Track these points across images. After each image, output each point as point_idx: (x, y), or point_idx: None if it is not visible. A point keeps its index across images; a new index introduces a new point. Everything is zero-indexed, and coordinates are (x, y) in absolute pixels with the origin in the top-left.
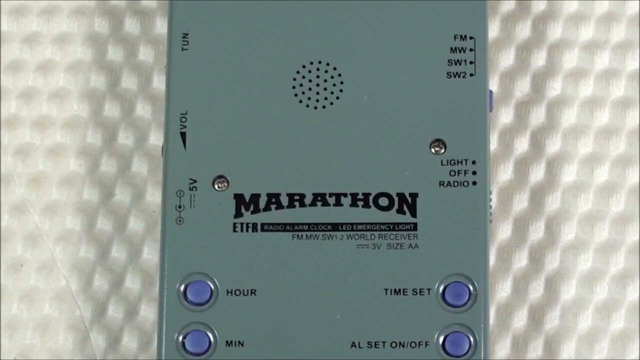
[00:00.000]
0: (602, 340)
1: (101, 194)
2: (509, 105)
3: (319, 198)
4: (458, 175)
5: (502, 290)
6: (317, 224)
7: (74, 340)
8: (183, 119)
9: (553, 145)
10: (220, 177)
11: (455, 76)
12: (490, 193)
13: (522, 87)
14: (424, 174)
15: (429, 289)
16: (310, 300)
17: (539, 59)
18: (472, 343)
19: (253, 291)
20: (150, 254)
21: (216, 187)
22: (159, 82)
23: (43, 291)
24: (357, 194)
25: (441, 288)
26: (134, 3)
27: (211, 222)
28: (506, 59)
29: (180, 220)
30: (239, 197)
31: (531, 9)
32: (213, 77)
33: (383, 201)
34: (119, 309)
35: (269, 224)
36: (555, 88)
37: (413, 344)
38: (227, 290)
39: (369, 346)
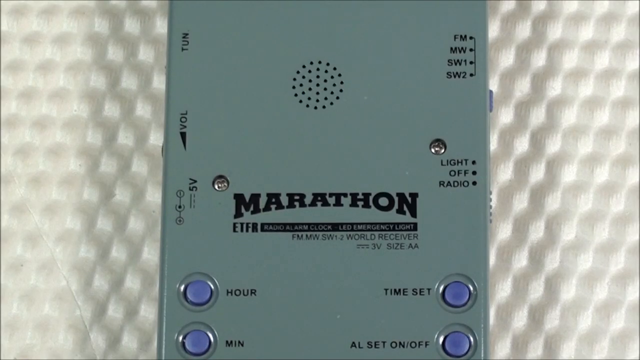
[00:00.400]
0: (602, 340)
1: (101, 194)
2: (509, 105)
3: (319, 198)
4: (458, 175)
5: (502, 290)
6: (317, 224)
7: (74, 340)
8: (183, 119)
9: (553, 145)
10: (220, 177)
11: (455, 76)
12: (490, 193)
13: (522, 87)
14: (424, 174)
15: (429, 289)
16: (310, 300)
17: (539, 59)
18: (472, 343)
19: (253, 291)
20: (150, 254)
21: (216, 187)
22: (159, 82)
23: (43, 291)
24: (357, 194)
25: (441, 288)
26: (134, 3)
27: (211, 222)
28: (506, 59)
29: (180, 220)
30: (239, 197)
31: (531, 9)
32: (213, 77)
33: (383, 201)
34: (119, 309)
35: (269, 224)
36: (555, 88)
37: (413, 344)
38: (227, 290)
39: (369, 346)
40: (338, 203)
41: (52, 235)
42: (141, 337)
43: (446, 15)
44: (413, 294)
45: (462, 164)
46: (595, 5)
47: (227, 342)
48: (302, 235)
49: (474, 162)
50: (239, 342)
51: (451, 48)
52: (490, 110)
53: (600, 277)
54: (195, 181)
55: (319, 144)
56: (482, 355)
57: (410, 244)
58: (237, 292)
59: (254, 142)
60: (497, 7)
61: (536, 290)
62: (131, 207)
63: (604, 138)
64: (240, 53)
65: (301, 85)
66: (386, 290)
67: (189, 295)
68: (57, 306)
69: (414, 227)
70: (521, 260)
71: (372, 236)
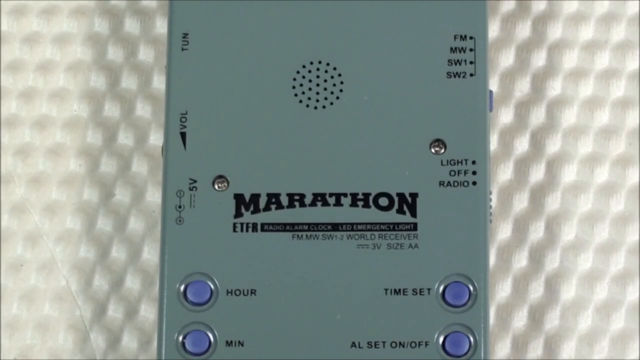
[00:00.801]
0: (602, 340)
1: (101, 194)
2: (509, 105)
3: (319, 198)
4: (458, 175)
5: (502, 290)
6: (317, 224)
7: (74, 340)
8: (183, 119)
9: (553, 145)
10: (220, 177)
11: (455, 76)
12: (490, 193)
13: (522, 87)
14: (424, 174)
15: (429, 289)
16: (310, 300)
17: (539, 59)
18: (472, 343)
19: (253, 291)
20: (150, 254)
21: (216, 187)
22: (159, 82)
23: (43, 291)
24: (357, 194)
25: (441, 288)
26: (134, 3)
27: (211, 222)
28: (506, 59)
29: (180, 220)
30: (239, 197)
31: (531, 9)
32: (213, 77)
33: (383, 201)
34: (119, 309)
35: (269, 224)
36: (555, 88)
37: (413, 344)
38: (227, 290)
39: (369, 346)
40: (338, 203)
41: (52, 235)
42: (141, 337)
43: (446, 15)
44: (413, 294)
45: (462, 164)
46: (595, 5)
47: (227, 342)
48: (302, 235)
49: (474, 162)
50: (239, 342)
51: (451, 48)
52: (490, 110)
53: (600, 277)
54: (195, 181)
55: (319, 144)
56: (482, 355)
57: (410, 244)
58: (237, 292)
59: (254, 142)
60: (497, 7)
61: (536, 290)
62: (131, 207)
63: (604, 138)
64: (240, 53)
65: (301, 85)
66: (386, 290)
67: (189, 295)
68: (57, 306)
69: (414, 227)
70: (521, 260)
71: (372, 236)
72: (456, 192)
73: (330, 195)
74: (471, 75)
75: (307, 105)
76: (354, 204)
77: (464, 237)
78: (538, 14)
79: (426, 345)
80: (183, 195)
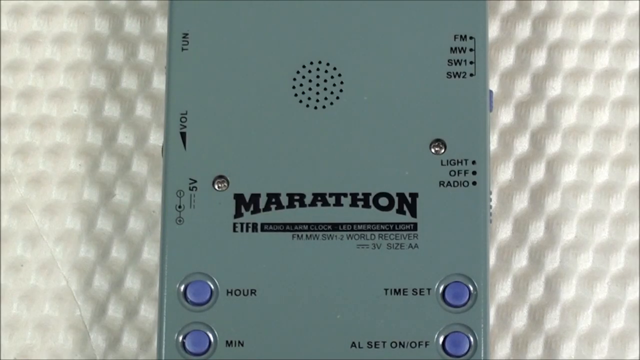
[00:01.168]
0: (602, 340)
1: (101, 194)
2: (509, 105)
3: (319, 198)
4: (458, 175)
5: (502, 290)
6: (317, 224)
7: (74, 340)
8: (183, 119)
9: (553, 145)
10: (220, 177)
11: (455, 76)
12: (490, 193)
13: (522, 87)
14: (424, 174)
15: (429, 289)
16: (310, 300)
17: (539, 59)
18: (472, 343)
19: (253, 291)
20: (150, 254)
21: (216, 187)
22: (159, 82)
23: (43, 291)
24: (357, 194)
25: (441, 288)
26: (134, 3)
27: (211, 222)
28: (506, 59)
29: (180, 220)
30: (239, 197)
31: (531, 9)
32: (213, 77)
33: (383, 201)
34: (119, 309)
35: (269, 224)
36: (555, 88)
37: (413, 344)
38: (227, 290)
39: (369, 346)
40: (338, 203)
41: (52, 235)
42: (141, 337)
43: (446, 15)
44: (413, 294)
45: (462, 164)
46: (595, 5)
47: (227, 342)
48: (302, 235)
49: (474, 162)
50: (239, 342)
51: (451, 48)
52: (490, 110)
53: (600, 277)
54: (195, 181)
55: (319, 144)
56: (482, 355)
57: (410, 244)
58: (237, 292)
59: (254, 142)
60: (497, 7)
61: (536, 290)
62: (131, 207)
63: (604, 138)
64: (240, 53)
65: (301, 85)
66: (386, 290)
67: (189, 295)
68: (57, 306)
69: (414, 227)
70: (521, 260)
71: (372, 236)
72: (456, 192)
73: (330, 195)
74: (471, 75)
75: (307, 105)
76: (354, 204)
77: (464, 237)
78: (538, 14)
79: (426, 345)
80: (183, 195)
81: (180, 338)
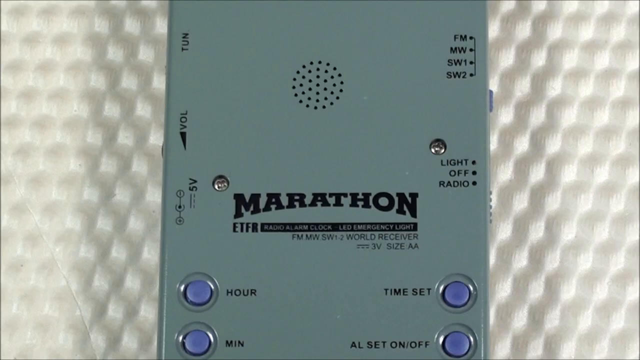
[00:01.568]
0: (602, 340)
1: (101, 194)
2: (509, 105)
3: (319, 198)
4: (458, 175)
5: (502, 290)
6: (317, 224)
7: (74, 340)
8: (183, 119)
9: (553, 145)
10: (220, 177)
11: (455, 76)
12: (490, 193)
13: (522, 87)
14: (424, 174)
15: (429, 289)
16: (310, 300)
17: (539, 59)
18: (472, 343)
19: (253, 291)
20: (150, 254)
21: (216, 187)
22: (159, 82)
23: (43, 291)
24: (357, 194)
25: (441, 288)
26: (134, 3)
27: (211, 222)
28: (506, 59)
29: (180, 220)
30: (239, 197)
31: (531, 9)
32: (213, 77)
33: (383, 201)
34: (119, 309)
35: (269, 224)
36: (555, 88)
37: (413, 344)
38: (227, 290)
39: (369, 346)
40: (338, 203)
41: (52, 235)
42: (141, 337)
43: (446, 15)
44: (413, 294)
45: (462, 164)
46: (595, 5)
47: (227, 342)
48: (302, 235)
49: (474, 162)
50: (239, 342)
51: (451, 48)
52: (490, 110)
53: (600, 277)
54: (195, 181)
55: (319, 144)
56: (482, 355)
57: (410, 244)
58: (237, 292)
59: (254, 142)
60: (497, 7)
61: (536, 290)
62: (131, 207)
63: (604, 138)
64: (240, 53)
65: (301, 85)
66: (386, 290)
67: (189, 295)
68: (57, 306)
69: (414, 227)
70: (521, 260)
71: (372, 236)
72: (456, 192)
73: (330, 195)
74: (471, 75)
75: (307, 105)
76: (354, 204)
77: (464, 237)
78: (538, 14)
79: (426, 345)
80: (183, 195)
81: (180, 338)
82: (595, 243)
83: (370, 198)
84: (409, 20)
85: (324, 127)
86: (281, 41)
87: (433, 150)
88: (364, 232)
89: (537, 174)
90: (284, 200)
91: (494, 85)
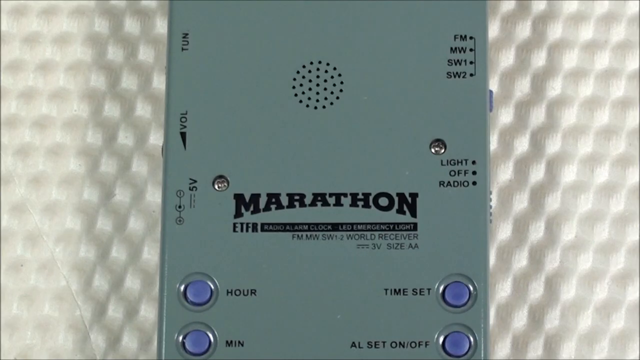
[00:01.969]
0: (602, 340)
1: (101, 194)
2: (509, 105)
3: (319, 198)
4: (458, 175)
5: (502, 290)
6: (317, 224)
7: (74, 340)
8: (183, 119)
9: (553, 145)
10: (220, 177)
11: (455, 76)
12: (490, 193)
13: (522, 87)
14: (424, 174)
15: (429, 289)
16: (310, 300)
17: (539, 59)
18: (472, 343)
19: (253, 291)
20: (150, 254)
21: (216, 187)
22: (159, 82)
23: (43, 291)
24: (357, 194)
25: (441, 288)
26: (134, 3)
27: (211, 222)
28: (506, 59)
29: (180, 220)
30: (239, 197)
31: (531, 9)
32: (213, 77)
33: (383, 201)
34: (119, 309)
35: (269, 224)
36: (555, 88)
37: (413, 344)
38: (227, 290)
39: (369, 346)
40: (338, 203)
41: (52, 235)
42: (141, 337)
43: (446, 15)
44: (413, 294)
45: (462, 164)
46: (595, 5)
47: (227, 342)
48: (302, 235)
49: (474, 162)
50: (239, 342)
51: (451, 48)
52: (490, 110)
53: (600, 277)
54: (195, 181)
55: (319, 144)
56: (482, 355)
57: (410, 244)
58: (237, 292)
59: (254, 142)
60: (497, 7)
61: (536, 290)
62: (131, 207)
63: (604, 138)
64: (240, 53)
65: (301, 85)
66: (386, 290)
67: (189, 295)
68: (57, 306)
69: (414, 227)
70: (521, 260)
71: (372, 236)
72: (456, 192)
73: (330, 195)
74: (471, 75)
75: (307, 105)
76: (354, 204)
77: (464, 237)
78: (538, 14)
79: (426, 345)
80: (183, 195)
81: (180, 338)
82: (595, 243)
83: (370, 198)
84: (409, 21)
85: (323, 127)
86: (281, 41)
87: (433, 150)
88: (364, 232)
89: (537, 174)
90: (284, 200)
91: (494, 85)
